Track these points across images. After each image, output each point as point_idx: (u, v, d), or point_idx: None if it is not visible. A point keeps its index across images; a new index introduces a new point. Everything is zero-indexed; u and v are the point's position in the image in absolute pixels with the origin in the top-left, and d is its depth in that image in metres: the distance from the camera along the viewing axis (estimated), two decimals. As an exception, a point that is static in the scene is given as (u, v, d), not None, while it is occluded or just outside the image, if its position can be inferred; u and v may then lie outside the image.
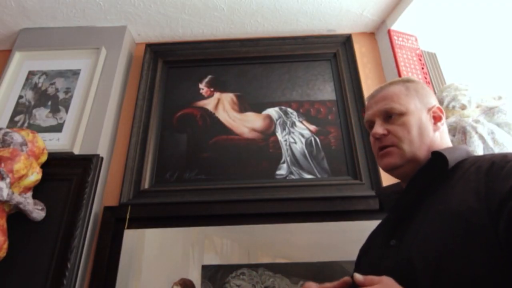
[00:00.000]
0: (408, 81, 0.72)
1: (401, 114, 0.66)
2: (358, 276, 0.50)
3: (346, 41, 1.39)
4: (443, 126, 0.68)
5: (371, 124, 0.70)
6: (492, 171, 0.51)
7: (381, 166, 0.68)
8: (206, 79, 1.36)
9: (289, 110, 1.28)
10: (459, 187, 0.54)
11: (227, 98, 1.31)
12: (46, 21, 1.35)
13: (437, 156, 0.59)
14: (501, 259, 0.44)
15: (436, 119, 0.68)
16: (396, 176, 0.68)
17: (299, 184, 1.12)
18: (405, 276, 0.52)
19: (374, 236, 0.72)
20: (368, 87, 1.29)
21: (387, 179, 1.03)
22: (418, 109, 0.67)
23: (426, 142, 0.65)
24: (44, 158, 1.02)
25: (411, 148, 0.64)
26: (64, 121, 1.17)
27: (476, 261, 0.46)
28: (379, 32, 1.43)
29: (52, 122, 1.18)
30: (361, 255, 0.72)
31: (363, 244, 0.74)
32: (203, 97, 1.32)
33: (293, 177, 1.14)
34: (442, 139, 0.67)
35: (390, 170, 0.67)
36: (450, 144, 0.68)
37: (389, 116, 0.67)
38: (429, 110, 0.68)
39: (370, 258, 0.66)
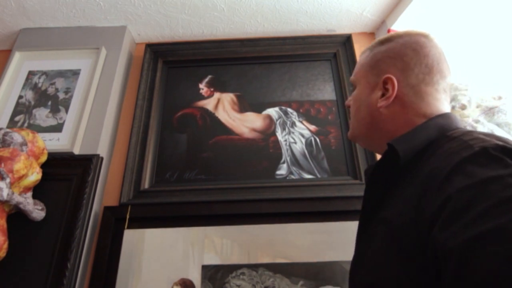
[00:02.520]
0: (382, 43, 0.61)
1: (355, 87, 0.64)
2: None
3: (346, 41, 1.39)
4: (398, 99, 0.55)
5: None
6: (429, 178, 0.41)
7: None
8: (206, 79, 1.36)
9: (289, 110, 1.28)
10: (408, 189, 0.45)
11: (227, 98, 1.31)
12: (46, 21, 1.35)
13: (390, 148, 0.49)
14: None
15: (386, 91, 0.56)
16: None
17: (299, 184, 1.12)
18: (351, 280, 0.52)
19: None
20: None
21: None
22: (370, 81, 0.59)
23: (370, 121, 0.58)
24: (44, 158, 1.02)
25: (356, 124, 0.62)
26: (64, 121, 1.17)
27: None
28: (379, 32, 1.43)
29: (52, 122, 1.18)
30: None
31: None
32: (203, 97, 1.32)
33: (293, 177, 1.14)
34: (395, 116, 0.55)
35: (354, 142, 0.67)
36: (414, 120, 0.53)
37: (354, 87, 0.66)
38: (381, 82, 0.57)
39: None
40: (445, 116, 0.53)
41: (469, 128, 0.83)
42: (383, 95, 0.57)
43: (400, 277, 0.40)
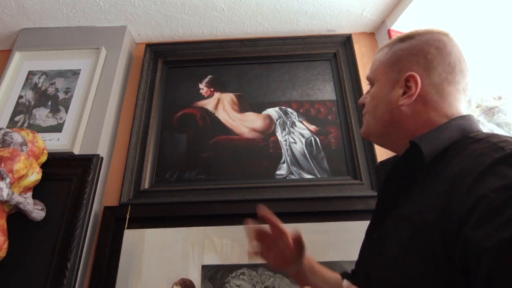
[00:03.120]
0: (402, 40, 0.60)
1: (372, 84, 0.64)
2: None
3: (346, 41, 1.39)
4: (421, 98, 0.54)
5: None
6: (458, 177, 0.41)
7: None
8: (206, 79, 1.36)
9: (289, 110, 1.28)
10: (431, 187, 0.45)
11: (227, 98, 1.31)
12: (46, 21, 1.35)
13: (413, 146, 0.49)
14: None
15: (408, 89, 0.55)
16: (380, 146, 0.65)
17: (299, 184, 1.12)
18: (365, 278, 0.52)
19: None
20: (368, 87, 1.29)
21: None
22: (390, 79, 0.59)
23: (389, 119, 0.57)
24: (44, 158, 1.02)
25: (373, 122, 0.61)
26: (64, 121, 1.17)
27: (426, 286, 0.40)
28: (379, 32, 1.43)
29: (52, 122, 1.18)
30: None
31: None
32: (203, 97, 1.32)
33: (293, 177, 1.14)
34: (417, 115, 0.54)
35: (367, 139, 0.66)
36: (435, 120, 0.53)
37: (371, 84, 0.66)
38: (403, 79, 0.56)
39: (362, 245, 0.61)
40: (466, 117, 0.53)
41: None
42: (404, 93, 0.56)
43: (422, 275, 0.40)
